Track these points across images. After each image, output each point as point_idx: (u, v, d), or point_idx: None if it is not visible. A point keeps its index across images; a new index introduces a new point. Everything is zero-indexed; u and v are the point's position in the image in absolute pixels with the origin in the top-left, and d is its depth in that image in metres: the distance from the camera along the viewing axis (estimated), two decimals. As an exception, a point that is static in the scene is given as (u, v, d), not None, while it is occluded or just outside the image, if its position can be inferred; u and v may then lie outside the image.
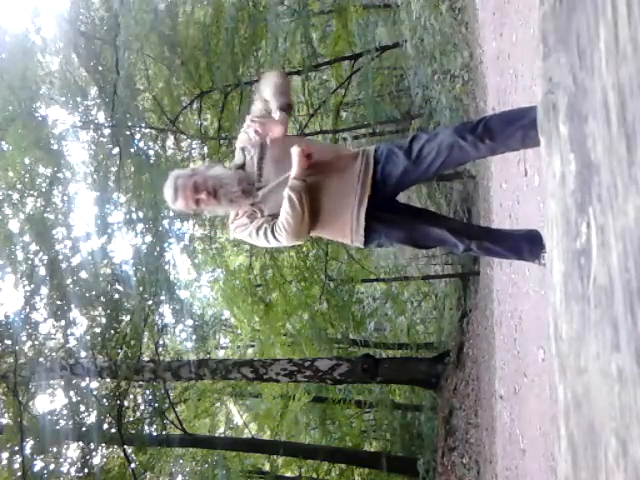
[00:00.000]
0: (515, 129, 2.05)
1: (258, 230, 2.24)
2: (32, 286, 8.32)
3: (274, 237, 2.20)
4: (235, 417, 13.10)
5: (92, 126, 9.84)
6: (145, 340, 9.39)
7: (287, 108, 2.21)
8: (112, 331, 8.76)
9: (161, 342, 9.63)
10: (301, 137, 2.55)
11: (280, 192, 2.18)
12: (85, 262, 8.78)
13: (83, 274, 8.70)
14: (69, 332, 8.69)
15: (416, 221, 2.32)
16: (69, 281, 8.47)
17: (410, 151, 2.15)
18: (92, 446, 8.53)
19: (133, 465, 8.80)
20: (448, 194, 9.46)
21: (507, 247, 2.30)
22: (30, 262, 8.47)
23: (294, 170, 2.14)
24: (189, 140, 10.04)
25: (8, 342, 8.21)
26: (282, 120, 2.19)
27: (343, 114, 11.34)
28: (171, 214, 9.31)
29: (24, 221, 8.86)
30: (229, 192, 2.22)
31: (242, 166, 2.31)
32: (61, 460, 8.54)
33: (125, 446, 8.55)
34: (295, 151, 2.13)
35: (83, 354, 8.75)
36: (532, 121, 2.03)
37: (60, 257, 8.66)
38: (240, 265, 11.51)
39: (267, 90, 2.28)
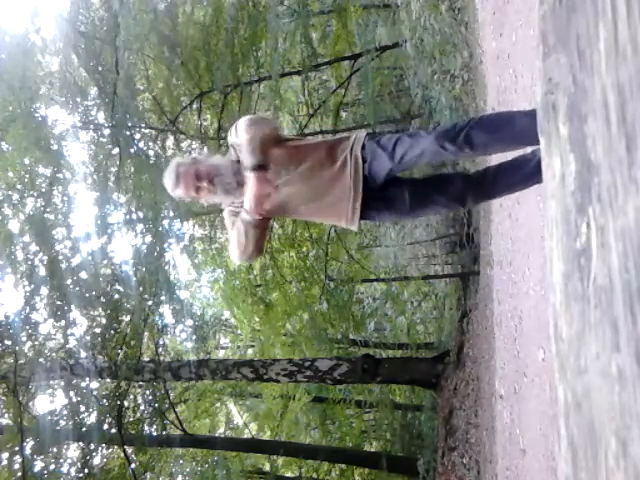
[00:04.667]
0: (495, 141, 2.09)
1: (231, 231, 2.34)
2: (32, 286, 8.32)
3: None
4: (235, 417, 13.11)
5: (92, 126, 9.84)
6: (145, 340, 9.39)
7: (258, 167, 2.12)
8: (112, 331, 8.76)
9: (161, 342, 9.63)
10: (298, 138, 2.48)
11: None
12: (85, 262, 8.78)
13: (83, 274, 8.70)
14: (69, 332, 8.69)
15: (411, 192, 2.31)
16: (69, 281, 8.47)
17: (394, 155, 2.18)
18: (92, 446, 8.52)
19: (133, 465, 8.80)
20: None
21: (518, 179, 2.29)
22: (30, 262, 8.47)
23: (246, 203, 2.16)
24: (189, 140, 10.04)
25: (8, 342, 8.20)
26: (255, 183, 2.13)
27: (343, 114, 11.34)
28: (171, 214, 9.32)
29: (24, 221, 8.86)
30: (224, 182, 2.26)
31: (238, 161, 2.33)
32: (61, 460, 8.54)
33: (125, 446, 8.55)
34: (250, 189, 2.13)
35: (83, 354, 8.74)
36: (513, 134, 2.05)
37: (60, 257, 8.66)
38: (240, 265, 11.51)
39: (241, 144, 2.19)
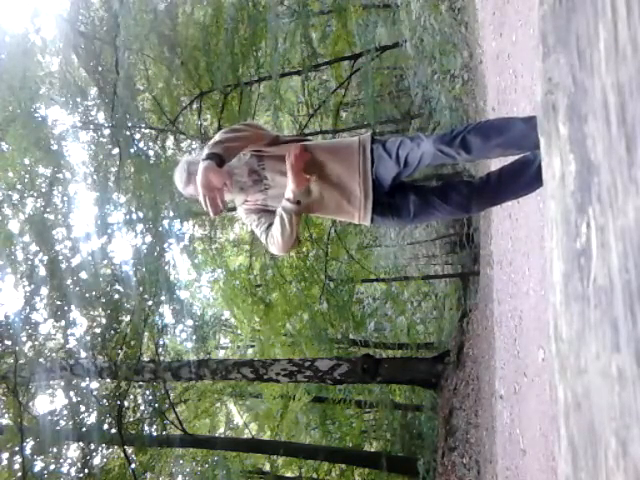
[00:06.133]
0: (492, 146, 2.08)
1: (259, 228, 2.32)
2: (32, 286, 8.32)
3: (266, 243, 2.29)
4: (235, 417, 13.11)
5: (92, 126, 9.85)
6: (145, 340, 9.39)
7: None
8: (112, 331, 8.76)
9: (161, 342, 9.63)
10: (299, 138, 2.49)
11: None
12: (85, 262, 8.78)
13: (83, 274, 8.70)
14: (69, 332, 8.70)
15: (416, 201, 2.32)
16: (69, 281, 8.47)
17: (398, 159, 2.21)
18: (92, 446, 8.53)
19: (133, 465, 8.80)
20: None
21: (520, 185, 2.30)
22: (30, 262, 8.47)
23: (289, 189, 2.16)
24: (189, 140, 10.04)
25: (8, 342, 8.21)
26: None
27: (343, 114, 11.34)
28: (171, 214, 9.31)
29: (24, 221, 8.86)
30: (239, 182, 2.25)
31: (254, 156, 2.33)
32: (61, 460, 8.54)
33: (125, 446, 8.55)
34: (290, 166, 2.12)
35: (83, 354, 8.74)
36: (510, 140, 2.06)
37: (60, 257, 8.66)
38: (240, 265, 11.52)
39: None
